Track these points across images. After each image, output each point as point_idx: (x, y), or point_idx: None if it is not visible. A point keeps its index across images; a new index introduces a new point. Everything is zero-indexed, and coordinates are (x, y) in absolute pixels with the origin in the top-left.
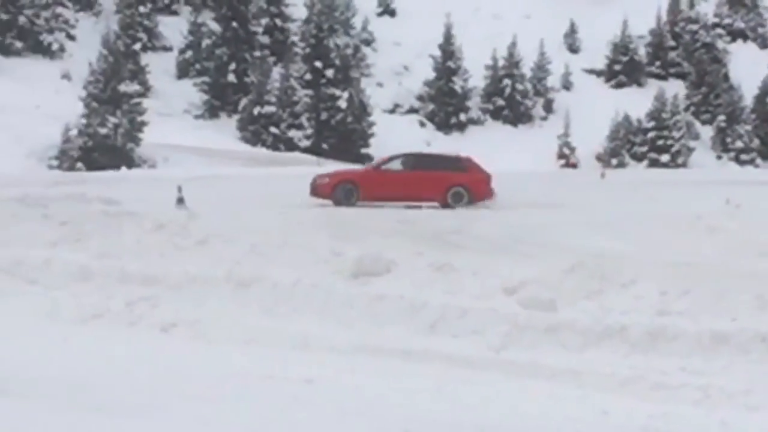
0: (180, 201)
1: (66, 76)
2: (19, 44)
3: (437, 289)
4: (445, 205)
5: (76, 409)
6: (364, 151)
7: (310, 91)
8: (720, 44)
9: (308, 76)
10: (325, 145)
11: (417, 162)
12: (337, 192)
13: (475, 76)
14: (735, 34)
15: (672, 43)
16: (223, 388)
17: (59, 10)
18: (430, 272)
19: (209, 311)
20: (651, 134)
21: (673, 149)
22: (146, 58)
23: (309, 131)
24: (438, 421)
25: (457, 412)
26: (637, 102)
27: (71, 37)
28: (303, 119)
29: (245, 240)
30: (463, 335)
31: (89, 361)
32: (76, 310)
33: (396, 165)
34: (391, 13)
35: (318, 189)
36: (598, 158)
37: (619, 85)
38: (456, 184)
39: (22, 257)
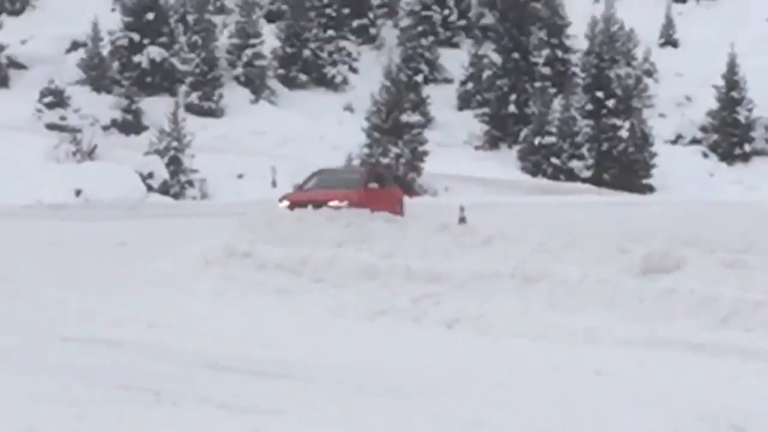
0: (462, 220)
1: (348, 108)
2: (303, 77)
3: (729, 285)
4: None
5: (363, 393)
6: (645, 181)
7: (590, 122)
8: None
9: (589, 107)
10: (606, 176)
11: (323, 179)
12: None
13: (760, 106)
14: None
15: None
16: (510, 377)
17: (342, 43)
18: (721, 269)
19: (494, 307)
20: None
21: None
22: (427, 90)
23: (590, 162)
24: (733, 410)
25: (753, 403)
26: None
27: (354, 70)
28: (584, 150)
29: (531, 239)
30: (757, 329)
31: (374, 353)
32: (361, 306)
33: (311, 183)
34: (674, 43)
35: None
36: None
37: None
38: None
39: (307, 257)
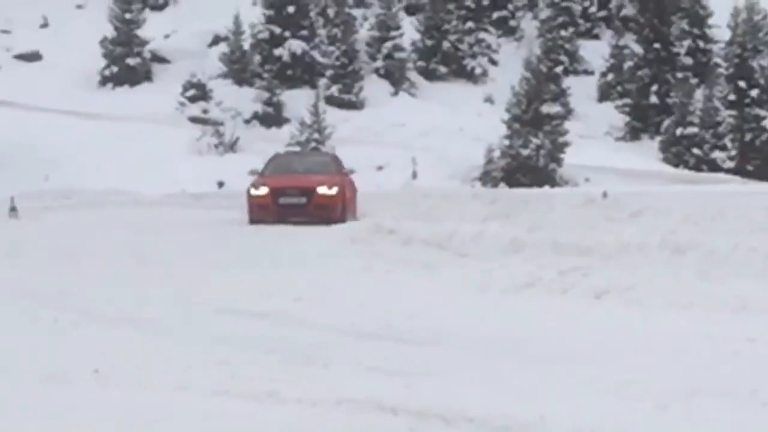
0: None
1: (488, 100)
2: (443, 69)
3: None
4: None
5: (510, 359)
6: None
7: (733, 112)
8: None
9: (732, 97)
10: (749, 167)
11: (289, 164)
12: None
13: None
14: None
15: None
16: (660, 344)
17: (482, 35)
18: None
19: (642, 278)
20: None
21: None
22: (567, 82)
23: (733, 152)
24: None
25: None
26: None
27: (493, 62)
28: (726, 140)
29: (679, 210)
30: None
31: (521, 324)
32: (508, 280)
33: (275, 168)
34: None
35: None
36: None
37: None
38: None
39: (453, 232)
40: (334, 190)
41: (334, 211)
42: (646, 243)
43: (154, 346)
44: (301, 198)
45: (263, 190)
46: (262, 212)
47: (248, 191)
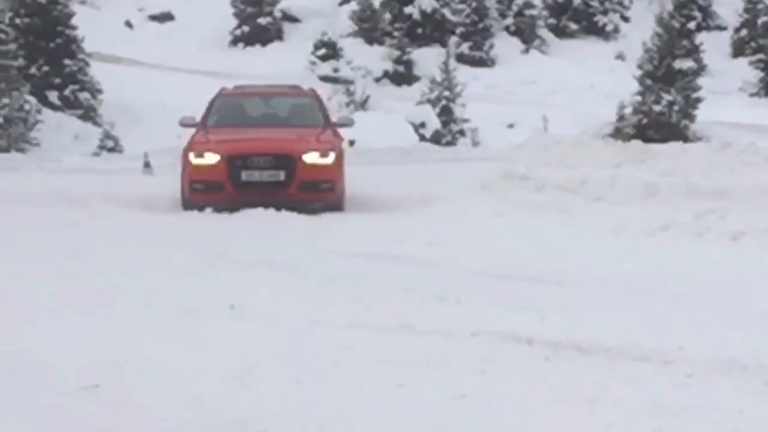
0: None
1: (620, 56)
2: (573, 26)
3: None
4: None
5: (647, 296)
6: None
7: None
8: None
9: None
10: None
11: (252, 107)
12: None
13: None
14: None
15: None
16: None
17: None
18: None
19: None
20: None
21: None
22: (700, 38)
23: None
24: None
25: None
26: None
27: (625, 19)
28: None
29: None
30: None
31: (657, 264)
32: (642, 223)
33: (229, 115)
34: None
35: None
36: None
37: None
38: None
39: (586, 177)
40: (330, 158)
41: (331, 193)
42: None
43: (288, 285)
44: (276, 172)
45: (211, 158)
46: (209, 193)
47: (186, 158)
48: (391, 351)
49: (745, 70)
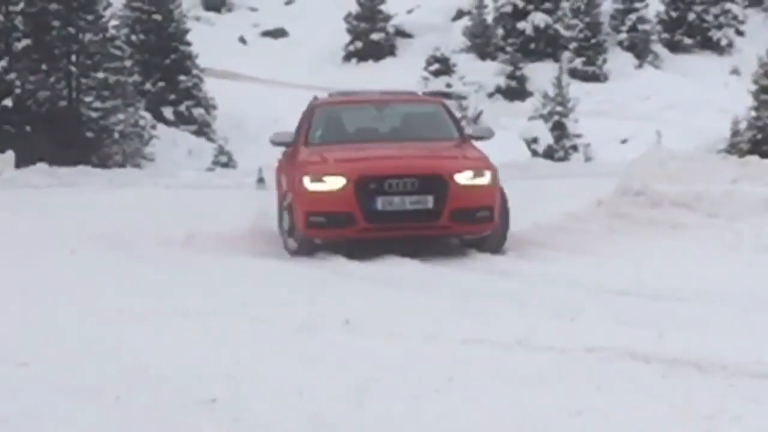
0: None
1: (735, 71)
2: (688, 41)
3: None
4: None
5: (765, 313)
6: None
7: None
8: None
9: None
10: None
11: (364, 119)
12: None
13: None
14: None
15: None
16: None
17: (728, 6)
18: None
19: None
20: None
21: None
22: None
23: None
24: None
25: None
26: None
27: (740, 33)
28: None
29: None
30: None
31: None
32: (758, 239)
33: (336, 131)
34: None
35: None
36: None
37: None
38: None
39: (701, 192)
40: (486, 178)
41: (490, 223)
42: None
43: (403, 300)
44: (422, 197)
45: (334, 182)
46: (332, 228)
47: (297, 184)
48: (507, 367)
49: None
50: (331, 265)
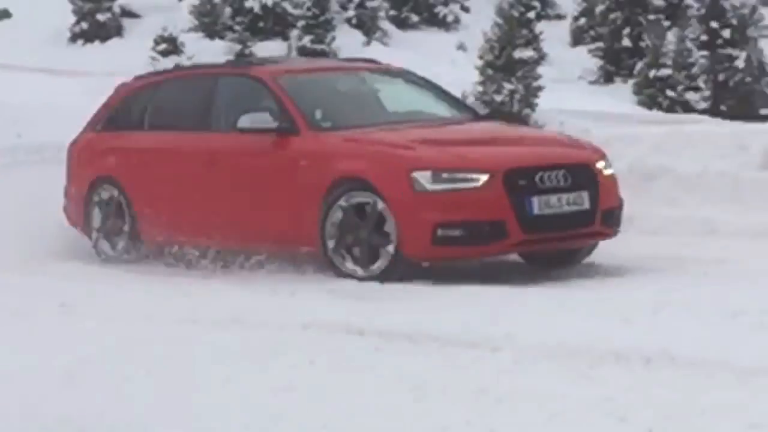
0: None
1: (461, 47)
2: (415, 17)
3: None
4: None
5: None
6: (763, 112)
7: (706, 53)
8: None
9: (704, 38)
10: (723, 107)
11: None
12: None
13: None
14: None
15: None
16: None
17: None
18: None
19: None
20: None
21: None
22: (540, 26)
23: (706, 93)
24: None
25: None
26: None
27: (465, 9)
28: (700, 81)
29: (647, 141)
30: None
31: None
32: None
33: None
34: None
35: None
36: None
37: None
38: None
39: None
40: (611, 167)
41: (617, 226)
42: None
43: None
44: (578, 194)
45: (473, 178)
46: (473, 244)
47: (400, 181)
48: (221, 345)
49: (584, 58)
50: None
